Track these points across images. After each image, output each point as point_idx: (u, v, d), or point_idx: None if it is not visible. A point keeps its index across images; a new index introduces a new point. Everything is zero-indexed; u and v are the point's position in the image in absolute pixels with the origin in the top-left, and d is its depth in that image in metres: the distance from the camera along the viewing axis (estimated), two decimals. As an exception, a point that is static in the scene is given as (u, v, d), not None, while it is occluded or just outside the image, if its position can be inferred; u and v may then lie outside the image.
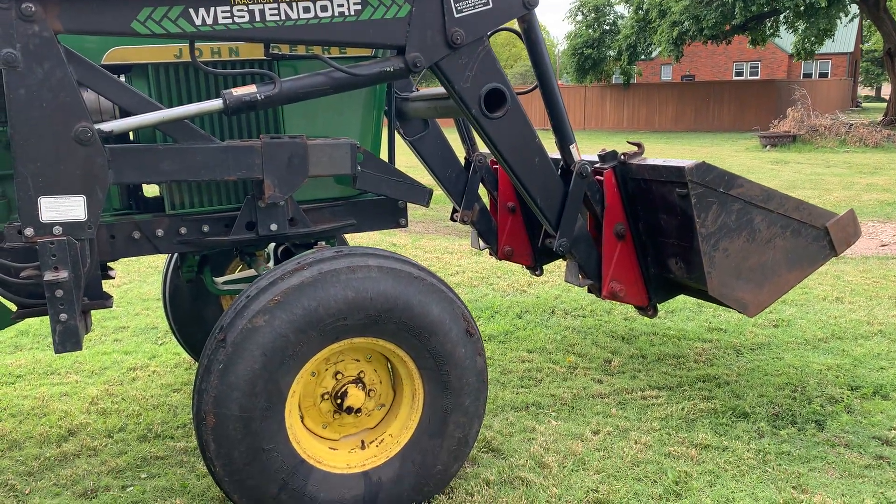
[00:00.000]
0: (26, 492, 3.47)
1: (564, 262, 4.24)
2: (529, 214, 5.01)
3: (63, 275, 2.98)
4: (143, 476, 3.63)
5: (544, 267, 5.26)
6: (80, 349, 3.09)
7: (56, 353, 3.08)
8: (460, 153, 5.16)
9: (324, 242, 3.52)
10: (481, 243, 5.29)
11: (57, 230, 2.96)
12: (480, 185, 5.16)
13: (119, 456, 3.82)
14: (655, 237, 4.00)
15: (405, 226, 3.96)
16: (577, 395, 4.51)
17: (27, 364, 5.14)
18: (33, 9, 2.77)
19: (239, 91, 3.19)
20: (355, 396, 3.21)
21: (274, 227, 3.51)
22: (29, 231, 2.94)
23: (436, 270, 7.75)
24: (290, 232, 3.57)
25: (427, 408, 3.24)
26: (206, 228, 3.54)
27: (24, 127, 2.85)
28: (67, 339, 3.04)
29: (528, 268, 5.29)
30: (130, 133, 3.54)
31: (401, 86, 4.64)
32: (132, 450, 3.88)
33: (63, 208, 2.99)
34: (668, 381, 4.71)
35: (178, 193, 3.52)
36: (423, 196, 3.80)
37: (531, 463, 3.68)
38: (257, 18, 3.06)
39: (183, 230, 3.51)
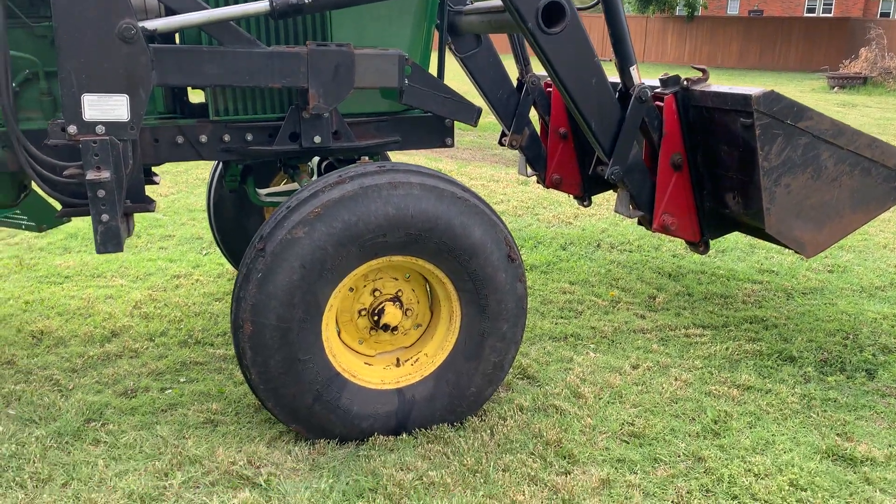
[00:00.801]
0: (70, 387, 3.55)
1: (614, 194, 4.09)
2: (581, 141, 4.84)
3: (105, 175, 2.95)
4: (181, 380, 3.69)
5: (593, 198, 5.11)
6: (121, 250, 3.10)
7: (98, 253, 3.09)
8: (513, 74, 4.97)
9: (367, 158, 3.43)
10: (529, 170, 5.15)
11: (100, 129, 2.93)
12: (532, 108, 4.98)
13: (159, 359, 3.88)
14: (714, 169, 3.81)
15: (451, 145, 3.84)
16: (618, 329, 4.43)
17: (75, 266, 5.23)
18: None
19: (286, -7, 3.06)
20: (392, 314, 3.17)
21: (318, 139, 3.42)
22: (72, 128, 2.91)
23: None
24: (334, 145, 3.49)
25: (464, 330, 3.19)
26: (249, 137, 3.47)
27: (69, 22, 2.79)
28: (109, 240, 3.04)
29: (576, 198, 5.14)
30: (176, 36, 3.45)
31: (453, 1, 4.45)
32: (172, 354, 3.94)
33: (106, 107, 2.95)
34: (713, 320, 4.58)
35: (222, 99, 3.44)
36: (472, 114, 3.66)
37: (566, 392, 3.63)
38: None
39: (226, 138, 3.44)
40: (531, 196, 7.70)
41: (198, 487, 2.84)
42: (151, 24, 2.94)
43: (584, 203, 5.11)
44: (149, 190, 3.83)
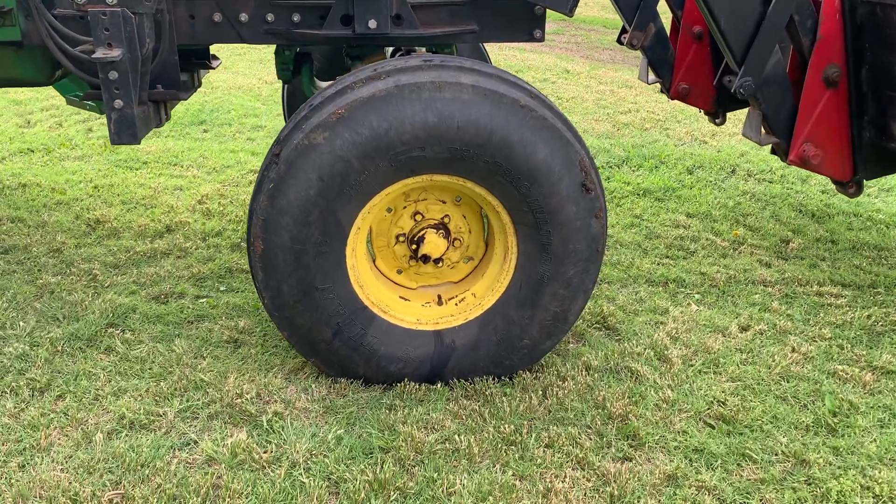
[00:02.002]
0: (105, 284, 3.33)
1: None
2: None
3: (116, 53, 2.56)
4: (221, 289, 3.38)
5: (728, 115, 4.24)
6: (138, 142, 2.74)
7: (112, 143, 2.74)
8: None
9: (423, 50, 2.83)
10: (651, 75, 4.31)
11: (111, -1, 2.50)
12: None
13: (205, 262, 3.59)
14: (882, 89, 2.91)
15: (540, 39, 3.13)
16: (733, 278, 3.68)
17: (156, 151, 5.04)
18: None
19: None
20: (433, 244, 2.64)
21: (373, 23, 2.84)
22: (81, -5, 2.50)
23: (605, 106, 6.79)
24: (393, 32, 2.90)
25: (519, 271, 2.61)
26: (296, 18, 2.94)
27: None
28: (123, 130, 2.68)
29: (707, 113, 4.29)
30: None
31: None
32: (221, 257, 3.64)
33: (117, -28, 2.51)
34: (858, 277, 3.71)
35: (265, -30, 2.92)
36: (565, 3, 2.94)
37: (650, 353, 3.00)
38: None
39: (270, 17, 2.94)
40: (666, 108, 6.76)
41: (195, 419, 2.52)
42: None
43: (717, 121, 4.25)
44: (230, 76, 3.45)
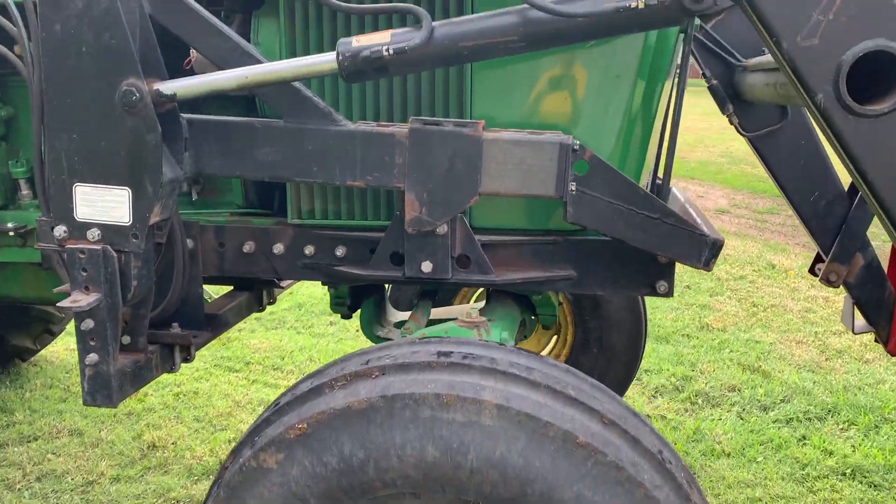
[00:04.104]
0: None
1: None
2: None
3: (91, 299, 2.05)
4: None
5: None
6: (114, 405, 2.17)
7: (84, 404, 2.19)
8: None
9: (477, 315, 2.04)
10: (857, 322, 3.15)
11: (93, 234, 2.04)
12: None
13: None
14: None
15: (666, 294, 2.22)
16: None
17: (266, 348, 4.60)
18: None
19: (362, 41, 1.86)
20: None
21: (427, 266, 2.13)
22: (61, 230, 2.05)
23: (814, 321, 5.43)
24: (456, 277, 2.16)
25: None
26: (340, 252, 2.31)
27: (58, 80, 1.95)
28: (98, 390, 2.13)
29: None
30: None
31: (740, 40, 2.80)
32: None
33: (102, 203, 2.05)
34: None
35: (306, 194, 2.35)
36: (698, 252, 2.04)
37: None
38: None
39: (309, 250, 2.34)
40: None
41: None
42: (170, 86, 1.96)
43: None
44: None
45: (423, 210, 2.03)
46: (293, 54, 2.24)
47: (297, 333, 4.84)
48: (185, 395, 3.95)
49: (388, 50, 1.81)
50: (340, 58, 1.85)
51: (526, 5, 1.75)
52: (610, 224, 2.02)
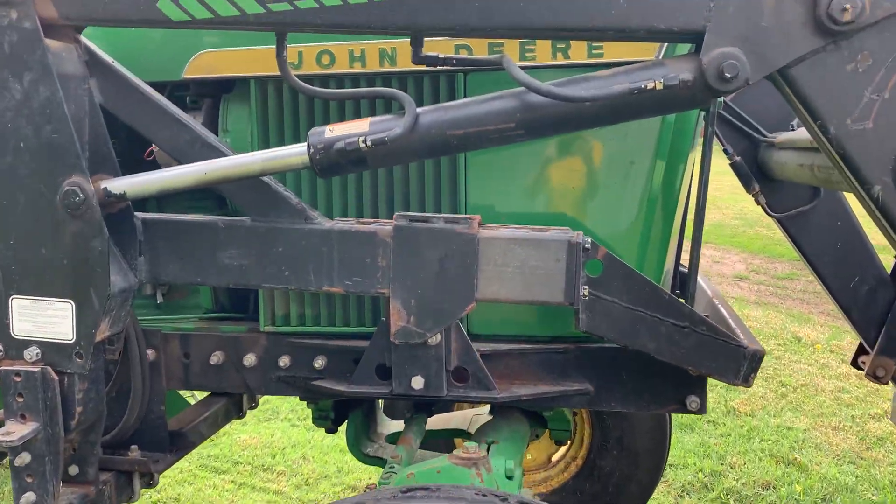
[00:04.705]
0: None
1: None
2: None
3: (28, 430, 1.76)
4: None
5: None
6: (56, 550, 1.86)
7: (21, 548, 1.88)
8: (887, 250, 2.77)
9: (472, 445, 1.74)
10: (911, 422, 2.82)
11: (31, 354, 1.77)
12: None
13: None
14: None
15: (699, 410, 1.91)
16: None
17: (256, 444, 4.27)
18: (8, -20, 1.59)
19: (336, 131, 1.61)
20: None
21: (419, 381, 1.85)
22: (-5, 349, 1.79)
23: (850, 403, 5.04)
24: (452, 394, 1.87)
25: None
26: (319, 364, 2.03)
27: (-5, 181, 1.72)
28: (35, 533, 1.83)
29: None
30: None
31: (762, 108, 2.56)
32: None
33: (42, 318, 1.79)
34: None
35: (279, 297, 2.07)
36: (735, 366, 1.75)
37: None
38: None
39: (284, 361, 2.06)
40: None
41: None
42: (119, 184, 1.71)
43: None
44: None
45: (410, 319, 1.75)
46: (265, 143, 2.01)
47: (292, 426, 4.51)
48: (165, 503, 3.61)
49: (365, 141, 1.56)
50: (312, 150, 1.60)
51: (523, 88, 1.50)
52: (630, 334, 1.73)
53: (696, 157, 2.11)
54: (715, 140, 2.35)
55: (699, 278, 2.49)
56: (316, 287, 1.78)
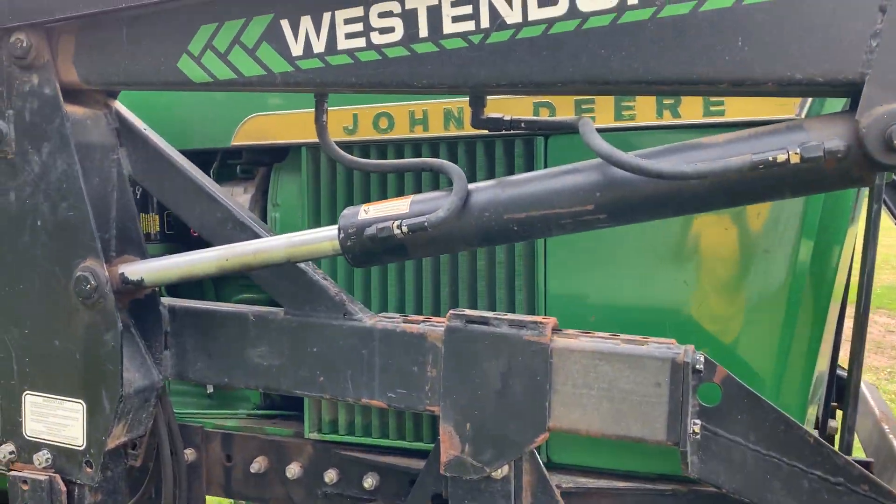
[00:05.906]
0: None
1: None
2: None
3: (33, 546, 1.55)
4: None
5: None
6: None
7: None
8: None
9: None
10: None
11: (41, 458, 1.56)
12: None
13: None
14: None
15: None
16: None
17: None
18: (26, 44, 1.42)
19: (371, 212, 1.30)
20: None
21: (481, 516, 1.46)
22: (8, 449, 1.60)
23: None
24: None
25: None
26: (370, 483, 1.71)
27: (9, 261, 1.55)
28: None
29: None
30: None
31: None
32: None
33: (53, 419, 1.59)
34: None
35: (328, 403, 1.76)
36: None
37: None
38: (422, 34, 1.16)
39: (330, 476, 1.75)
40: None
41: None
42: (136, 270, 1.48)
43: None
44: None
45: (465, 448, 1.39)
46: (316, 221, 1.74)
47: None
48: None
49: (400, 227, 1.23)
50: (342, 235, 1.30)
51: (603, 160, 1.13)
52: (758, 488, 1.28)
53: (856, 230, 1.64)
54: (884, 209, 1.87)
55: (863, 386, 1.96)
56: (354, 398, 1.46)
